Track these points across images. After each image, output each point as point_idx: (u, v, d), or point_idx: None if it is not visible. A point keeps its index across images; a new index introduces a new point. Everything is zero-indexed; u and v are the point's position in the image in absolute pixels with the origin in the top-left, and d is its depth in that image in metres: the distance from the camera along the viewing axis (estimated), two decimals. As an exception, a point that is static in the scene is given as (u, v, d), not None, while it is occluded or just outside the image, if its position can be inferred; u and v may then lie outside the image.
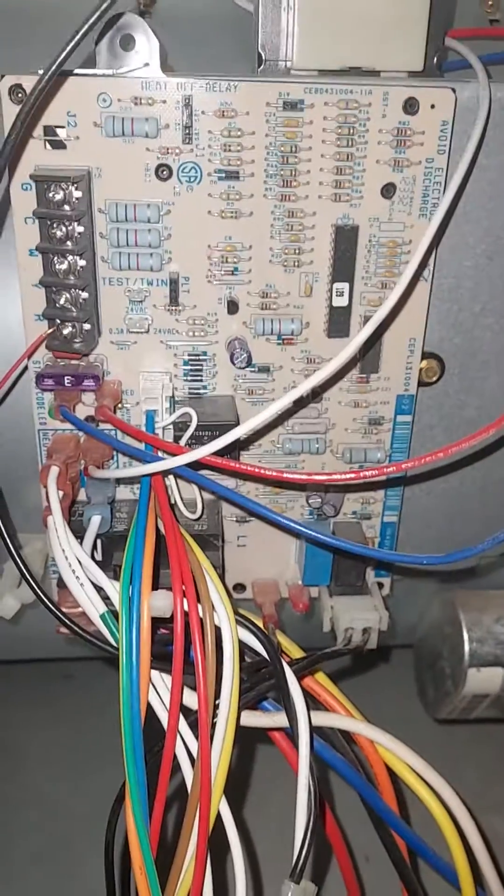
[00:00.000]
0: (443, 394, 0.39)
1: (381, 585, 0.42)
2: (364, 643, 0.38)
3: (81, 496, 0.38)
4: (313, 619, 0.42)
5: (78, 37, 0.27)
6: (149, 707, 0.31)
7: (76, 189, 0.31)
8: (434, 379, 0.39)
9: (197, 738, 0.30)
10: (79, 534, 0.35)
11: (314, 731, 0.33)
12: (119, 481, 0.38)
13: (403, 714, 0.51)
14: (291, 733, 0.32)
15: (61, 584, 0.34)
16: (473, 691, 0.45)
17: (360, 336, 0.30)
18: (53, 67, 0.28)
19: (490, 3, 0.43)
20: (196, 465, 0.32)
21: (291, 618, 0.44)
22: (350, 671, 0.54)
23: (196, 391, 0.37)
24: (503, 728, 0.56)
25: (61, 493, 0.34)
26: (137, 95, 0.32)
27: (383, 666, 0.57)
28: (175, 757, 0.31)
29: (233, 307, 0.35)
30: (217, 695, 0.31)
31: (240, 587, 0.42)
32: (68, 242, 0.32)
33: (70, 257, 0.32)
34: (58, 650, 0.52)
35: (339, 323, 0.36)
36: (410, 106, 0.33)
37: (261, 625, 0.36)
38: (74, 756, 0.55)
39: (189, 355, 0.36)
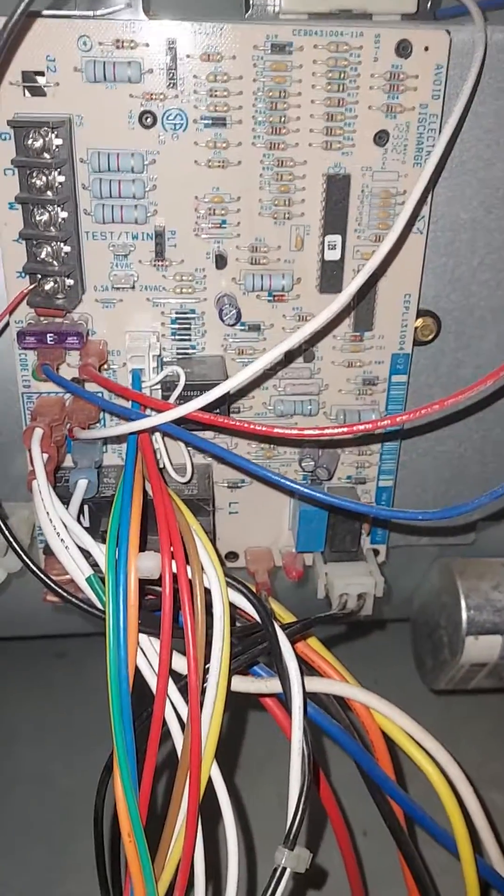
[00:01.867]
0: (439, 353, 0.38)
1: (376, 552, 0.41)
2: (359, 608, 0.37)
3: (68, 462, 0.37)
4: (307, 587, 0.41)
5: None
6: (137, 671, 0.30)
7: (56, 136, 0.30)
8: (430, 337, 0.38)
9: (187, 702, 0.29)
10: (65, 499, 0.34)
11: (308, 696, 0.32)
12: (107, 445, 0.37)
13: (401, 689, 0.50)
14: (285, 699, 0.31)
15: (48, 550, 0.33)
16: (471, 660, 0.44)
17: (350, 287, 0.29)
18: (22, 6, 0.26)
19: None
20: (185, 426, 0.31)
21: (285, 587, 0.43)
22: (347, 644, 0.54)
23: (185, 351, 0.36)
24: (501, 703, 0.56)
25: (46, 455, 0.33)
26: (119, 38, 0.30)
27: (380, 640, 0.56)
28: (165, 722, 0.30)
29: (221, 262, 0.34)
30: (207, 658, 0.30)
31: (232, 555, 0.41)
32: (49, 192, 0.31)
33: (51, 208, 0.31)
34: (49, 626, 0.51)
35: (331, 278, 0.35)
36: (403, 48, 0.31)
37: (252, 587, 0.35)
38: (67, 733, 0.54)
39: (177, 313, 0.35)
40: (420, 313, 0.37)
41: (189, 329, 0.35)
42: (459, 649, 0.44)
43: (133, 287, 0.34)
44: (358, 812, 0.38)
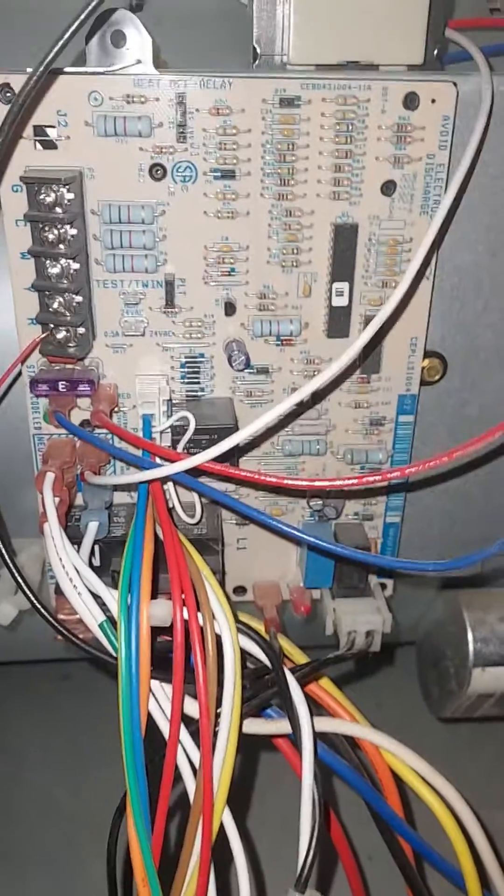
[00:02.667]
0: (445, 393, 0.39)
1: (383, 587, 0.42)
2: (367, 646, 0.37)
3: (78, 500, 0.38)
4: (316, 620, 0.41)
5: (68, 34, 0.27)
6: (149, 717, 0.30)
7: (68, 191, 0.31)
8: (437, 378, 0.38)
9: (199, 747, 0.30)
10: (76, 539, 0.34)
11: (318, 736, 0.33)
12: (116, 486, 0.38)
13: (406, 711, 0.50)
14: (295, 742, 0.32)
15: (58, 590, 0.33)
16: (478, 691, 0.45)
17: (361, 338, 0.30)
18: (43, 66, 0.27)
19: (491, -9, 0.42)
20: (195, 471, 0.32)
21: (294, 619, 0.44)
22: (352, 671, 0.54)
23: (194, 394, 0.36)
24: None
25: (58, 499, 0.33)
26: (129, 93, 0.31)
27: (386, 664, 0.57)
28: (177, 767, 0.30)
29: (230, 308, 0.35)
30: (218, 703, 0.30)
31: (241, 590, 0.42)
32: (61, 245, 0.31)
33: (63, 260, 0.31)
34: (56, 652, 0.52)
35: (338, 323, 0.35)
36: (410, 101, 0.32)
37: (262, 629, 0.35)
38: (74, 757, 0.54)
39: (186, 357, 0.36)
40: (427, 354, 0.37)
41: (198, 373, 0.36)
42: (466, 681, 0.44)
43: (143, 334, 0.35)
44: (364, 836, 0.38)
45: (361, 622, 0.38)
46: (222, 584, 0.35)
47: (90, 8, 0.27)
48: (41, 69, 0.27)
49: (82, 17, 0.27)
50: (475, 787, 0.37)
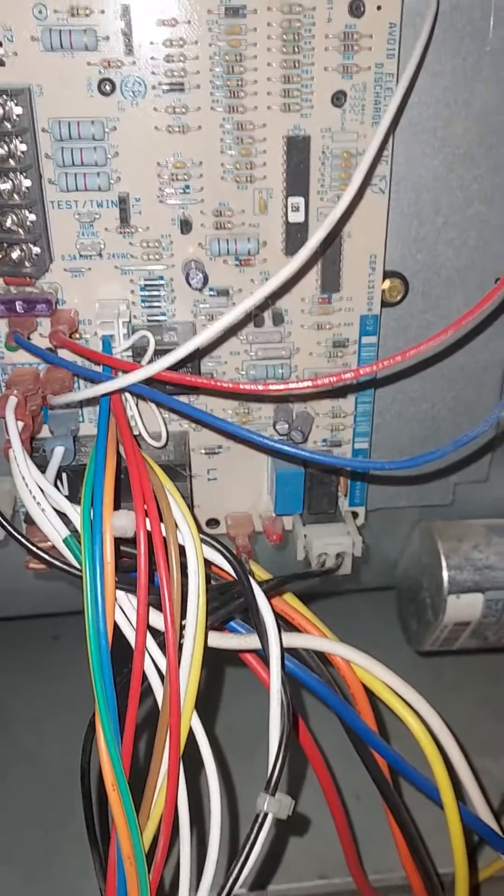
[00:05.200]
0: (408, 314, 0.39)
1: (355, 515, 0.42)
2: (337, 567, 0.37)
3: (46, 434, 0.38)
4: (289, 550, 0.41)
5: None
6: (117, 628, 0.30)
7: (16, 105, 0.31)
8: (398, 298, 0.38)
9: (165, 656, 0.30)
10: (43, 468, 0.34)
11: (288, 652, 0.33)
12: (83, 415, 0.38)
13: (389, 658, 0.50)
14: (263, 654, 0.32)
15: (29, 519, 0.33)
16: (454, 619, 0.45)
17: (310, 242, 0.30)
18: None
19: None
20: (157, 388, 0.32)
21: (267, 551, 0.44)
22: (335, 614, 0.54)
23: (155, 318, 0.36)
24: (488, 671, 0.56)
25: (21, 423, 0.33)
26: (74, 5, 0.31)
27: (367, 609, 0.57)
28: (146, 677, 0.30)
29: (186, 227, 0.35)
30: (184, 614, 0.30)
31: (213, 522, 0.42)
32: (11, 160, 0.31)
33: (14, 176, 0.31)
34: (41, 605, 0.52)
35: (296, 240, 0.35)
36: (356, 7, 0.32)
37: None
38: (64, 714, 0.54)
39: (145, 280, 0.36)
40: (387, 275, 0.37)
41: (158, 296, 0.36)
42: (442, 609, 0.44)
43: (101, 255, 0.35)
44: (351, 776, 0.38)
45: (332, 544, 0.38)
46: (192, 511, 0.35)
47: None
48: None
49: None
50: (460, 734, 0.37)
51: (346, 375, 0.29)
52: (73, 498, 0.36)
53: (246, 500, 0.41)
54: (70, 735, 0.51)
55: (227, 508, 0.42)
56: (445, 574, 0.44)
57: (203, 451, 0.40)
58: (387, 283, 0.38)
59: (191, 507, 0.39)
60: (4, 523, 0.32)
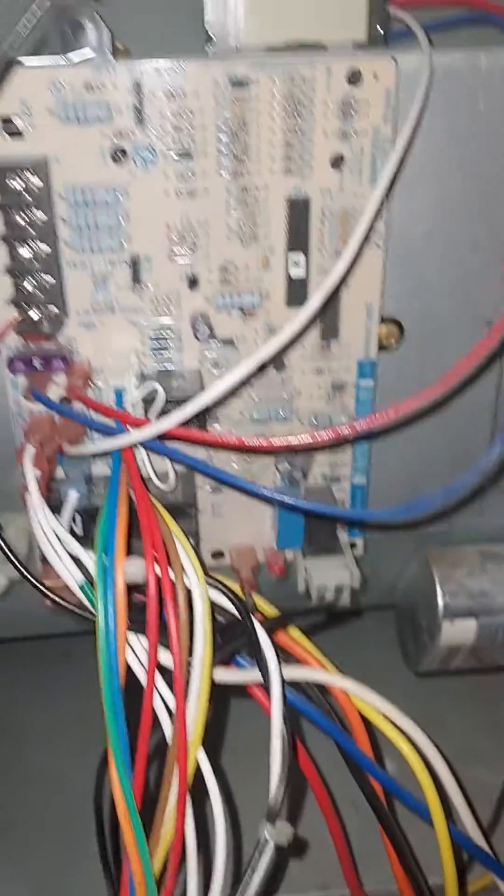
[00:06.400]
0: (403, 358, 0.40)
1: (353, 545, 0.44)
2: (336, 600, 0.39)
3: (60, 473, 0.40)
4: (290, 580, 0.43)
5: (29, 29, 0.28)
6: (129, 668, 0.33)
7: (35, 177, 0.32)
8: (394, 343, 0.40)
9: (174, 694, 0.32)
10: (58, 510, 0.36)
11: (289, 684, 0.35)
12: (96, 458, 0.40)
13: (388, 674, 0.52)
14: (265, 687, 0.34)
15: (44, 559, 0.36)
16: (449, 643, 0.47)
17: (312, 302, 0.32)
18: (4, 63, 0.29)
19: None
20: (165, 438, 0.34)
21: (270, 582, 0.46)
22: (334, 633, 0.56)
23: (164, 366, 0.38)
24: (486, 683, 0.58)
25: (38, 472, 0.35)
26: (89, 82, 0.33)
27: (366, 629, 0.59)
28: (155, 713, 0.33)
29: (193, 283, 0.36)
30: (191, 652, 0.32)
31: (218, 554, 0.44)
32: (30, 229, 0.33)
33: (33, 243, 0.33)
34: (53, 626, 0.54)
35: (297, 293, 0.37)
36: (354, 77, 0.33)
37: (237, 588, 0.37)
38: (75, 733, 0.56)
39: (154, 332, 0.37)
40: (384, 320, 0.39)
41: (167, 347, 0.38)
42: (437, 633, 0.46)
43: (113, 310, 0.37)
44: (347, 788, 0.40)
45: (331, 578, 0.40)
46: (198, 548, 0.37)
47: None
48: (3, 69, 0.28)
49: (40, 15, 0.29)
50: (458, 745, 0.38)
51: (345, 431, 0.31)
52: (87, 537, 0.39)
53: (249, 534, 0.43)
54: (83, 752, 0.54)
55: (232, 541, 0.44)
56: (440, 600, 0.46)
57: (209, 488, 0.42)
58: (383, 329, 0.39)
59: (197, 542, 0.41)
60: (22, 569, 0.34)
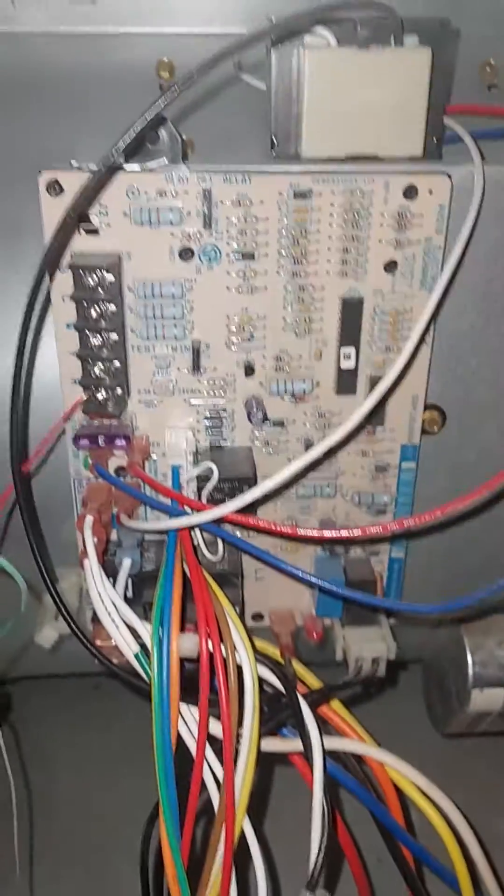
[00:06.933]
0: (445, 441, 0.43)
1: (389, 615, 0.45)
2: (374, 673, 0.41)
3: (113, 536, 0.42)
4: (328, 644, 0.45)
5: (127, 142, 0.31)
6: (178, 737, 0.35)
7: (108, 273, 0.35)
8: (436, 429, 0.42)
9: (222, 763, 0.34)
10: (111, 573, 0.39)
11: (328, 754, 0.37)
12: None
13: (413, 728, 0.54)
14: (307, 759, 0.36)
15: (95, 619, 0.38)
16: (477, 710, 0.48)
17: (368, 402, 0.34)
18: (96, 177, 0.31)
19: (488, 69, 0.46)
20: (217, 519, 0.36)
21: (308, 645, 0.48)
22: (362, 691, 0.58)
23: (217, 443, 0.41)
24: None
25: (96, 539, 0.37)
26: (162, 189, 0.35)
27: (393, 684, 0.60)
28: (202, 781, 0.35)
29: (249, 370, 0.39)
30: (239, 724, 0.34)
31: (258, 616, 0.46)
32: (102, 321, 0.35)
33: (104, 333, 0.36)
34: (90, 666, 0.56)
35: (346, 382, 0.39)
36: (410, 192, 0.36)
37: (278, 655, 0.39)
38: (104, 763, 0.59)
39: (210, 412, 0.40)
40: (427, 407, 0.41)
41: (221, 426, 0.40)
42: (466, 700, 0.48)
43: (172, 392, 0.39)
44: (372, 841, 0.42)
45: (368, 650, 0.42)
46: (242, 612, 0.39)
47: (148, 121, 0.31)
48: (97, 177, 0.31)
49: (139, 128, 0.31)
50: (479, 798, 0.40)
51: (392, 527, 0.33)
52: (137, 600, 0.41)
53: (289, 598, 0.45)
54: (109, 782, 0.56)
55: (271, 605, 0.46)
56: (471, 670, 0.47)
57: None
58: (426, 415, 0.42)
59: (242, 609, 0.43)
60: (78, 632, 0.36)
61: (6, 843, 0.45)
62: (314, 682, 0.39)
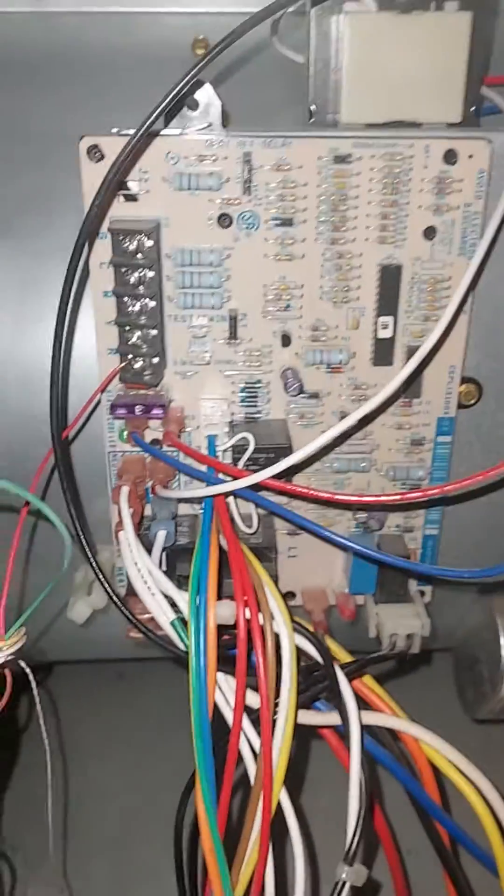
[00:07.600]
0: (481, 414, 0.42)
1: (422, 593, 0.45)
2: (408, 648, 0.41)
3: (147, 511, 0.42)
4: (359, 624, 0.45)
5: (163, 105, 0.31)
6: (215, 706, 0.34)
7: (148, 239, 0.35)
8: (473, 402, 0.41)
9: (259, 734, 0.34)
10: (145, 546, 0.38)
11: (363, 728, 0.36)
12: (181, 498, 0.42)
13: (444, 713, 0.53)
14: (343, 731, 0.35)
15: (130, 591, 0.37)
16: (510, 693, 0.48)
17: (404, 370, 0.33)
18: (142, 131, 0.31)
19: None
20: (254, 486, 0.35)
21: (339, 623, 0.47)
22: (394, 672, 0.57)
23: (252, 415, 0.40)
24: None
25: (131, 510, 0.37)
26: (202, 153, 0.35)
27: (424, 668, 0.60)
28: (239, 751, 0.34)
29: (286, 340, 0.39)
30: (276, 694, 0.34)
31: (290, 594, 0.45)
32: (140, 287, 0.35)
33: (142, 300, 0.36)
34: (116, 651, 0.56)
35: (383, 353, 0.39)
36: (450, 157, 0.35)
37: (312, 629, 0.39)
38: (127, 751, 0.58)
39: (246, 383, 0.40)
40: (464, 380, 0.41)
41: (256, 397, 0.40)
42: (499, 684, 0.47)
43: (208, 363, 0.39)
44: (403, 832, 0.42)
45: (402, 626, 0.41)
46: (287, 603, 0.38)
47: (187, 84, 0.31)
48: (139, 136, 0.31)
49: (178, 90, 0.31)
50: None
51: (433, 492, 0.33)
52: (171, 573, 0.40)
53: (322, 576, 0.45)
54: (133, 768, 0.56)
55: (304, 583, 0.45)
56: (503, 652, 0.47)
57: (286, 532, 0.43)
58: (463, 388, 0.41)
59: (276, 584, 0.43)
60: (118, 602, 0.36)
61: (40, 824, 0.45)
62: (346, 658, 0.39)
